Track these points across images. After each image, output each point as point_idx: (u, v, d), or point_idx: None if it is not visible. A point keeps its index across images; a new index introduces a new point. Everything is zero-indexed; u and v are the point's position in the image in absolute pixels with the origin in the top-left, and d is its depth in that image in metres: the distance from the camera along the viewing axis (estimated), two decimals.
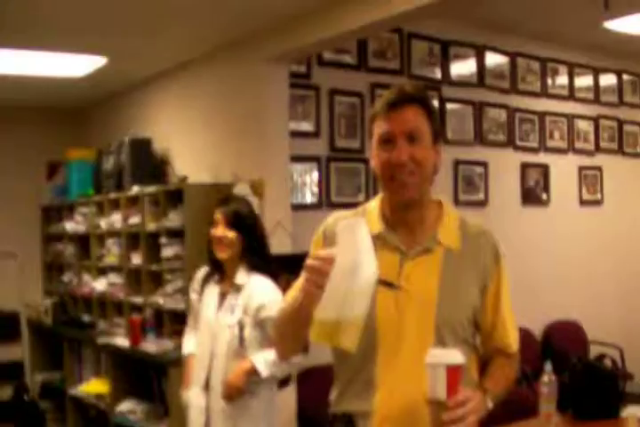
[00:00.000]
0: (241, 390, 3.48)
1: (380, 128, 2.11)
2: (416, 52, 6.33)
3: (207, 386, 3.60)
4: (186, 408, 3.72)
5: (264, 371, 3.45)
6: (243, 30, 5.23)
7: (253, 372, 3.45)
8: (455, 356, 1.87)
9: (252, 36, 5.27)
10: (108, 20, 5.01)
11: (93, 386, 5.91)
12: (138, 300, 5.72)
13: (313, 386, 4.94)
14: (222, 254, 3.60)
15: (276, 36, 5.07)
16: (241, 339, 3.51)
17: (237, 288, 3.59)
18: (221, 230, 3.59)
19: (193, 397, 3.67)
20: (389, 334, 2.08)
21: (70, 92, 7.24)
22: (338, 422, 2.18)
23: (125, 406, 5.26)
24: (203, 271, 3.82)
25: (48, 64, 6.05)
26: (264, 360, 3.45)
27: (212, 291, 3.71)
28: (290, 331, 2.10)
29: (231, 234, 3.57)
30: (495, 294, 2.19)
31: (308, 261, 1.87)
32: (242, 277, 3.60)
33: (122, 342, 5.47)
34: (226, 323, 3.56)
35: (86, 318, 6.65)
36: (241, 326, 3.52)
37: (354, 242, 1.81)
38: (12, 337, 7.30)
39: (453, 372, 1.85)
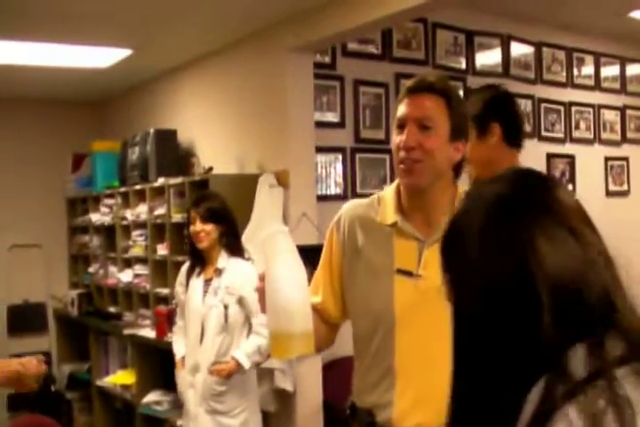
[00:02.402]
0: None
1: (397, 112, 2.12)
2: (441, 42, 6.30)
3: (198, 367, 4.08)
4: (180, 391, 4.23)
5: (246, 364, 4.00)
6: (267, 20, 5.22)
7: (238, 367, 4.00)
8: None
9: (277, 26, 5.26)
10: (133, 11, 5.02)
11: (120, 377, 5.95)
12: (164, 291, 5.74)
13: (338, 377, 4.93)
14: (202, 244, 4.13)
15: (301, 26, 5.06)
16: (226, 316, 4.03)
17: (219, 272, 4.13)
18: (199, 226, 4.13)
19: (186, 379, 4.15)
20: (408, 323, 2.07)
21: (95, 84, 7.26)
22: (358, 414, 2.18)
23: (151, 397, 5.29)
24: (186, 266, 4.35)
25: (73, 56, 6.08)
26: (245, 354, 4.00)
27: (197, 281, 4.21)
28: None
29: (207, 227, 4.12)
30: None
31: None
32: (222, 261, 4.15)
33: (148, 333, 5.49)
34: (212, 304, 4.07)
35: (112, 309, 6.69)
36: (225, 305, 4.04)
37: (272, 254, 1.83)
38: (39, 328, 7.35)
39: None
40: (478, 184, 1.29)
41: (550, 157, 7.10)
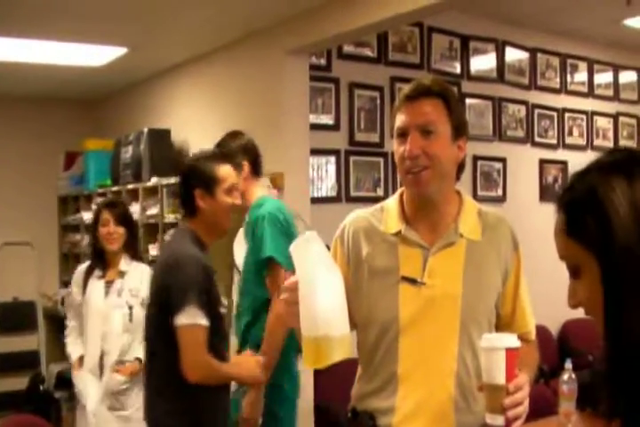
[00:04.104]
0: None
1: (397, 122, 2.11)
2: (436, 47, 6.31)
3: (101, 365, 4.12)
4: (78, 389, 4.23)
5: None
6: (263, 22, 5.23)
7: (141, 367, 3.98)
8: (512, 339, 1.85)
9: (273, 28, 5.27)
10: (130, 10, 5.02)
11: None
12: None
13: (330, 379, 4.94)
14: (113, 246, 4.22)
15: (297, 28, 5.06)
16: (130, 317, 4.12)
17: (122, 274, 4.22)
18: (113, 227, 4.21)
19: (87, 377, 4.16)
20: (412, 331, 2.08)
21: (89, 82, 7.25)
22: (359, 418, 2.18)
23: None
24: (84, 267, 4.37)
25: (68, 54, 6.08)
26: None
27: (98, 283, 4.24)
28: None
29: (120, 230, 4.22)
30: (515, 282, 2.19)
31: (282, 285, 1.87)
32: (125, 264, 4.25)
33: None
34: (115, 304, 4.14)
35: None
36: (130, 306, 4.13)
37: (305, 259, 1.78)
38: (28, 327, 7.32)
39: (512, 355, 1.82)
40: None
41: (543, 162, 7.12)
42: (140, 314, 4.06)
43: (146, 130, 6.11)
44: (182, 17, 5.21)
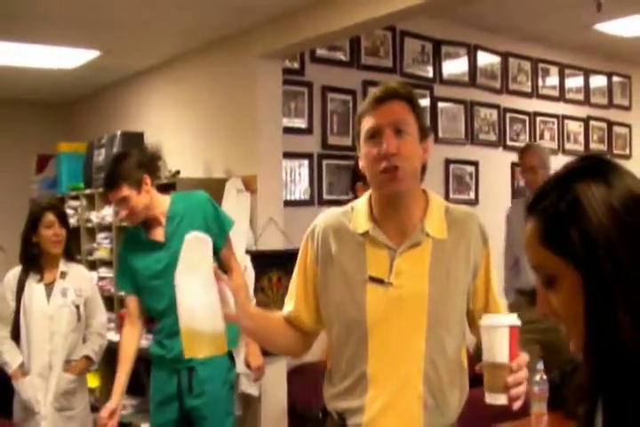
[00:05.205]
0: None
1: (367, 124, 2.12)
2: (408, 51, 6.36)
3: (49, 366, 4.05)
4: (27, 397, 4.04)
5: (96, 361, 4.27)
6: (236, 26, 5.23)
7: (90, 364, 4.24)
8: (513, 317, 1.86)
9: (246, 32, 5.28)
10: (102, 13, 5.00)
11: None
12: None
13: (303, 382, 4.95)
14: (57, 249, 4.13)
15: (270, 32, 5.08)
16: (78, 316, 4.11)
17: (63, 275, 4.16)
18: (58, 229, 4.12)
19: (33, 382, 4.03)
20: (380, 331, 2.09)
21: (62, 85, 7.22)
22: (329, 419, 2.20)
23: None
24: (16, 272, 4.21)
25: (39, 56, 6.05)
26: (94, 352, 4.17)
27: (36, 286, 4.13)
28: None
29: (63, 231, 4.14)
30: (485, 277, 2.21)
31: None
32: (64, 265, 4.18)
33: (112, 336, 5.44)
34: (62, 305, 4.09)
35: None
36: (76, 305, 4.12)
37: (183, 259, 1.96)
38: None
39: (514, 333, 1.83)
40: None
41: (515, 166, 7.17)
42: (83, 313, 4.16)
43: (119, 133, 6.09)
44: (155, 21, 5.20)
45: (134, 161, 3.62)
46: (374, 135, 2.10)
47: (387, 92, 2.12)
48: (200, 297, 1.91)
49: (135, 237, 3.74)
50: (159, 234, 3.65)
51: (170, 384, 3.65)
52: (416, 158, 2.11)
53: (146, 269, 3.65)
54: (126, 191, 3.55)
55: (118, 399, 3.55)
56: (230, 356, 3.66)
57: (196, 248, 1.94)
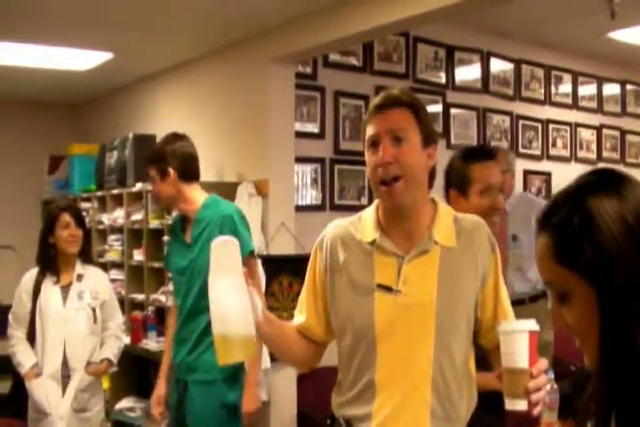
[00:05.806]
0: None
1: (367, 132, 2.13)
2: (421, 56, 6.35)
3: (66, 368, 4.04)
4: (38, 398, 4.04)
5: (115, 360, 4.24)
6: (249, 29, 5.25)
7: (109, 367, 4.26)
8: (532, 323, 1.85)
9: (259, 36, 5.29)
10: (115, 15, 5.03)
11: None
12: (139, 297, 5.73)
13: (313, 387, 4.95)
14: (74, 250, 4.13)
15: (283, 36, 5.09)
16: (95, 318, 4.12)
17: (80, 277, 4.16)
18: (74, 230, 4.11)
19: (46, 384, 4.02)
20: (388, 339, 2.09)
21: (75, 87, 7.25)
22: (337, 425, 2.19)
23: (124, 403, 5.27)
24: (33, 274, 4.19)
25: (53, 58, 6.08)
26: (113, 355, 4.19)
27: (52, 288, 4.12)
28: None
29: (80, 232, 4.14)
30: (494, 286, 2.20)
31: None
32: (80, 268, 4.19)
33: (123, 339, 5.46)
34: (78, 308, 4.10)
35: None
36: (92, 308, 4.13)
37: (215, 262, 1.90)
38: None
39: (533, 339, 1.82)
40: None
41: (527, 173, 7.16)
42: (100, 316, 4.17)
43: (131, 135, 6.10)
44: (168, 24, 5.22)
45: (169, 150, 3.65)
46: (374, 144, 2.10)
47: (387, 99, 2.12)
48: (234, 301, 1.88)
49: (175, 229, 3.77)
50: (188, 234, 3.64)
51: (173, 392, 3.67)
52: (418, 166, 2.09)
53: (176, 262, 3.69)
54: (152, 172, 3.65)
55: (163, 385, 3.74)
56: (233, 377, 3.55)
57: (225, 252, 1.91)
